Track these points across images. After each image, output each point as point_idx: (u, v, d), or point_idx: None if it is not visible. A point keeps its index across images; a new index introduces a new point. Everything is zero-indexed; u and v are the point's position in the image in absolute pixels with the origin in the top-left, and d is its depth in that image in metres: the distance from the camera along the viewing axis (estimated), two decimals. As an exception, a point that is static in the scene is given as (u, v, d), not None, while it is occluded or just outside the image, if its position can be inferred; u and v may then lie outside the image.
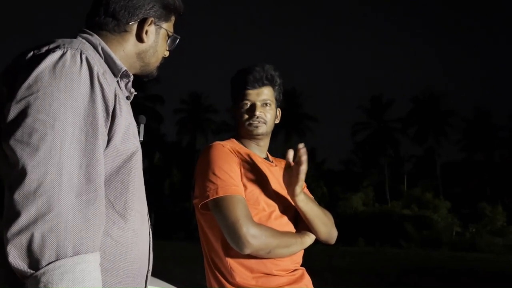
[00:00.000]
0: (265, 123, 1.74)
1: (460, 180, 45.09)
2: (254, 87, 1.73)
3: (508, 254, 20.57)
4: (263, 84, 1.74)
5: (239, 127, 1.77)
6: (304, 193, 1.68)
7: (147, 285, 1.16)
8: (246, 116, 1.73)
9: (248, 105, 1.73)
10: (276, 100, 1.80)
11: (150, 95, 42.47)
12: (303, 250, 1.71)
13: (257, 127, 1.73)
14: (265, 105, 1.74)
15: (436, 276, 11.88)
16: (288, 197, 1.73)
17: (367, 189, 35.10)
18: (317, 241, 1.73)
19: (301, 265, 1.73)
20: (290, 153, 1.66)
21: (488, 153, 45.29)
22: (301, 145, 1.61)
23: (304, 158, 1.59)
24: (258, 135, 1.75)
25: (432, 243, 25.16)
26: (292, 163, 1.64)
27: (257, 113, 1.71)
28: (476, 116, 45.79)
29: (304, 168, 1.60)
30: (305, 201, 1.65)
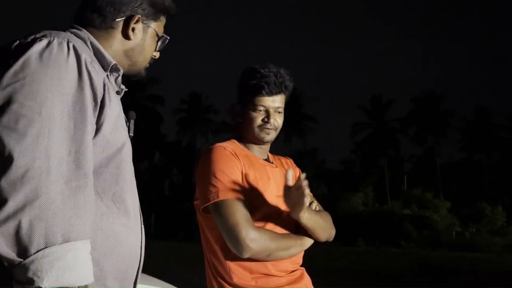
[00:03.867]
0: (275, 130, 1.72)
1: (460, 180, 45.10)
2: (270, 94, 1.68)
3: (508, 254, 20.55)
4: (280, 92, 1.70)
5: (246, 130, 1.72)
6: (308, 209, 1.63)
7: (137, 282, 1.15)
8: (260, 123, 1.69)
9: (262, 111, 1.69)
10: (285, 105, 1.77)
11: (150, 95, 42.47)
12: (303, 251, 1.70)
13: (268, 134, 1.71)
14: (278, 112, 1.71)
15: (436, 276, 11.88)
16: None
17: (367, 189, 35.01)
18: (317, 241, 1.73)
19: (301, 265, 1.73)
20: (289, 175, 1.58)
21: (488, 153, 45.31)
22: (302, 176, 1.53)
23: (306, 190, 1.52)
24: (268, 141, 1.74)
25: (432, 243, 25.15)
26: (291, 184, 1.56)
27: (272, 120, 1.69)
28: (476, 116, 45.81)
29: (306, 193, 1.52)
30: (308, 218, 1.62)
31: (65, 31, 1.12)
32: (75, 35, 1.12)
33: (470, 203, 33.58)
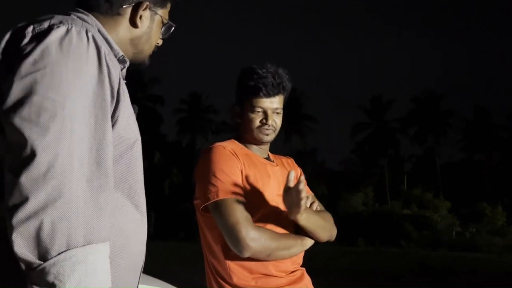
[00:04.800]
0: (274, 131, 1.72)
1: (460, 180, 45.10)
2: (268, 96, 1.67)
3: (508, 254, 20.55)
4: (278, 93, 1.69)
5: (244, 131, 1.72)
6: (306, 210, 1.62)
7: (140, 277, 1.13)
8: (258, 124, 1.69)
9: (260, 112, 1.69)
10: (283, 105, 1.76)
11: (150, 95, 42.44)
12: (303, 251, 1.70)
13: (267, 135, 1.71)
14: (276, 113, 1.71)
15: (436, 276, 11.88)
16: None
17: (367, 189, 35.02)
18: (317, 241, 1.72)
19: (301, 265, 1.73)
20: (291, 176, 1.57)
21: (488, 153, 45.31)
22: (302, 178, 1.51)
23: (303, 193, 1.51)
24: (267, 142, 1.74)
25: (432, 243, 25.16)
26: (291, 185, 1.55)
27: (270, 122, 1.68)
28: (476, 116, 45.82)
29: (303, 196, 1.52)
30: (306, 219, 1.61)
31: (68, 14, 1.07)
32: (81, 19, 1.06)
33: (470, 203, 33.60)
